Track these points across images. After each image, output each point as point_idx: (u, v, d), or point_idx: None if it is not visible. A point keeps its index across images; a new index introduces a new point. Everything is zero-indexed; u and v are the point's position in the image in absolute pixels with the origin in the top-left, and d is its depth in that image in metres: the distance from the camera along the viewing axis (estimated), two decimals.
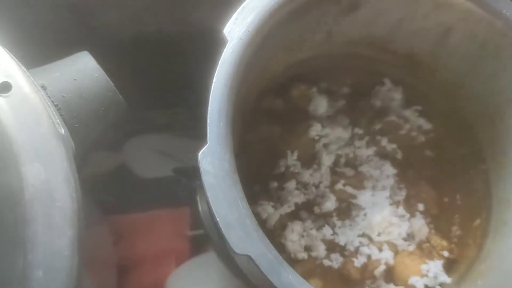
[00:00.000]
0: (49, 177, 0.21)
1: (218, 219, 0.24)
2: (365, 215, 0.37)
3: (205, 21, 0.41)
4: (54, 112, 0.24)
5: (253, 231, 0.24)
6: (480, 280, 0.33)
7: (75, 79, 0.26)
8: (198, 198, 0.43)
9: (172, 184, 0.46)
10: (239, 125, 0.38)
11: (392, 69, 0.41)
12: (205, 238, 0.42)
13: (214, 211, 0.24)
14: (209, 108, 0.26)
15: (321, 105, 0.40)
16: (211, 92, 0.27)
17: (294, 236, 0.36)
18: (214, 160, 0.25)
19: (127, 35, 0.41)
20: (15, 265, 0.19)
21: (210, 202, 0.24)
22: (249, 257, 0.23)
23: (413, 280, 0.35)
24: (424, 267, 0.36)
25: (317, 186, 0.38)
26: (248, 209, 0.25)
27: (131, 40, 0.42)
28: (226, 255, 0.40)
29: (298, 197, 0.37)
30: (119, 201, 0.44)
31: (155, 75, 0.44)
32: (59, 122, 0.23)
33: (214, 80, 0.27)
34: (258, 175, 0.38)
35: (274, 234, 0.36)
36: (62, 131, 0.23)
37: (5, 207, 0.20)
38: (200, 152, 0.25)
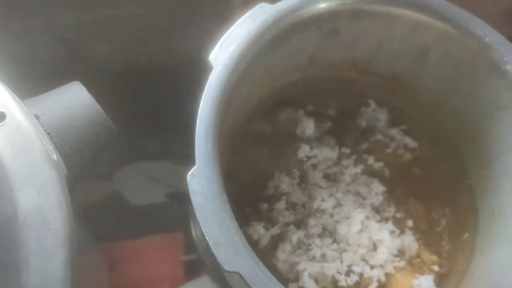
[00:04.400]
0: (42, 201, 0.22)
1: (207, 238, 0.25)
2: (354, 232, 0.38)
3: (192, 51, 0.42)
4: (46, 139, 0.24)
5: (242, 248, 0.25)
6: None
7: (67, 108, 0.27)
8: (191, 223, 0.43)
9: (165, 210, 0.47)
10: (228, 149, 0.39)
11: (376, 91, 0.43)
12: (199, 262, 0.42)
13: (203, 230, 0.25)
14: (196, 131, 0.27)
15: (308, 127, 0.42)
16: (198, 115, 0.28)
17: (285, 256, 0.36)
18: (202, 180, 0.26)
19: (118, 66, 0.43)
20: (9, 287, 0.20)
21: (200, 222, 0.25)
22: (239, 274, 0.24)
23: None
24: (415, 282, 0.36)
25: (304, 206, 0.39)
26: (237, 228, 0.26)
27: (123, 70, 0.43)
28: (220, 279, 0.41)
29: (288, 217, 0.38)
30: (112, 228, 0.44)
31: (146, 103, 0.45)
32: (52, 149, 0.24)
33: (200, 104, 0.28)
34: (249, 197, 0.39)
35: (266, 255, 0.36)
36: (55, 157, 0.24)
37: None
38: (189, 173, 0.26)
